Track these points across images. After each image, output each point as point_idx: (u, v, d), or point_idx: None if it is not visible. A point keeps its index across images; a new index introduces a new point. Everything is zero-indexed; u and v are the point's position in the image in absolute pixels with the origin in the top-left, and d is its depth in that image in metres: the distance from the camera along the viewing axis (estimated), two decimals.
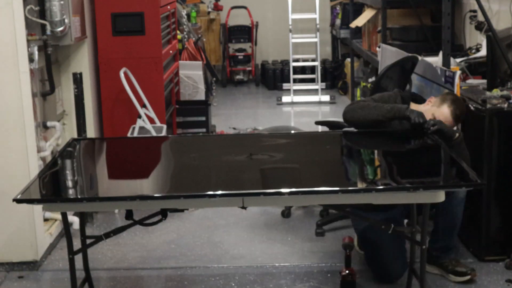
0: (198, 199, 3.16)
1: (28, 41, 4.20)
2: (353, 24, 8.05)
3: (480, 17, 5.85)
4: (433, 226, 3.94)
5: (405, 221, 4.55)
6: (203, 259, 4.33)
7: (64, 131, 5.07)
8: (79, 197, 3.24)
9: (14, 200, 3.11)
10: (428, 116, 3.82)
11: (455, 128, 3.94)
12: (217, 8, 10.22)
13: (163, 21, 5.66)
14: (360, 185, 3.40)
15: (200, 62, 7.35)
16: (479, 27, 5.90)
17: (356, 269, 3.93)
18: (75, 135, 4.82)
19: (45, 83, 4.68)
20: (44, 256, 4.32)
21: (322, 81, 9.63)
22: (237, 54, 10.25)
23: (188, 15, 8.86)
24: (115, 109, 5.39)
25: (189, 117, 6.41)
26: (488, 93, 4.29)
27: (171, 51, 6.06)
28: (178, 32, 6.79)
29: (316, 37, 9.57)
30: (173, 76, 6.26)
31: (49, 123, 4.77)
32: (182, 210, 3.75)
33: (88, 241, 3.65)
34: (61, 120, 5.07)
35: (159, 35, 5.41)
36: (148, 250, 4.47)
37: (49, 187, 3.39)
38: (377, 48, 6.02)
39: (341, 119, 4.81)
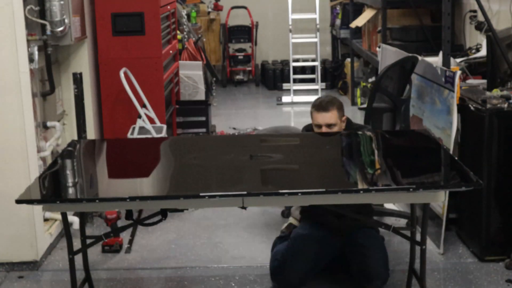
0: (198, 199, 3.16)
1: (28, 41, 4.20)
2: (353, 24, 8.05)
3: (480, 17, 5.85)
4: None
5: (405, 221, 4.58)
6: (203, 259, 4.33)
7: (64, 131, 5.07)
8: (79, 197, 3.24)
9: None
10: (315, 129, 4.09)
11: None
12: (217, 8, 10.22)
13: (163, 21, 5.66)
14: (360, 185, 3.40)
15: (200, 62, 7.35)
16: (479, 27, 5.91)
17: None
18: (75, 135, 4.82)
19: (45, 83, 4.68)
20: (44, 256, 4.32)
21: (322, 81, 9.63)
22: (237, 54, 10.25)
23: (188, 15, 8.86)
24: (115, 109, 5.39)
25: (189, 117, 6.41)
26: (488, 93, 4.30)
27: (171, 51, 6.06)
28: (178, 32, 6.79)
29: (316, 37, 9.57)
30: (173, 76, 6.25)
31: (49, 123, 4.77)
32: (182, 210, 3.75)
33: (88, 241, 3.65)
34: (61, 120, 5.07)
35: (159, 35, 5.41)
36: (148, 250, 4.47)
37: (49, 188, 3.39)
38: (377, 48, 6.02)
39: None
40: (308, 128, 4.23)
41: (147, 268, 4.24)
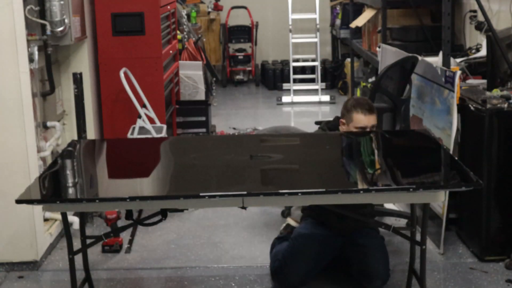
0: (198, 199, 3.16)
1: (28, 41, 4.20)
2: (353, 24, 8.05)
3: (480, 17, 5.85)
4: None
5: (405, 221, 4.57)
6: (203, 259, 4.33)
7: (64, 131, 5.07)
8: (79, 197, 3.24)
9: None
10: None
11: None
12: (217, 8, 10.22)
13: (163, 21, 5.66)
14: (360, 185, 3.40)
15: (200, 62, 7.35)
16: (479, 27, 5.90)
17: None
18: (75, 135, 4.82)
19: (45, 83, 4.68)
20: (44, 256, 4.32)
21: (322, 81, 9.63)
22: (237, 54, 10.25)
23: (188, 15, 8.86)
24: (115, 109, 5.39)
25: (189, 117, 6.41)
26: (488, 93, 4.30)
27: (171, 51, 6.06)
28: (178, 32, 6.79)
29: (316, 37, 9.57)
30: (173, 76, 6.26)
31: (49, 123, 4.77)
32: (182, 210, 3.75)
33: (88, 241, 3.65)
34: (61, 120, 5.07)
35: (159, 35, 5.41)
36: (148, 250, 4.48)
37: (49, 188, 3.39)
38: (377, 48, 6.02)
39: None
40: (331, 127, 4.21)
41: (147, 268, 4.24)
